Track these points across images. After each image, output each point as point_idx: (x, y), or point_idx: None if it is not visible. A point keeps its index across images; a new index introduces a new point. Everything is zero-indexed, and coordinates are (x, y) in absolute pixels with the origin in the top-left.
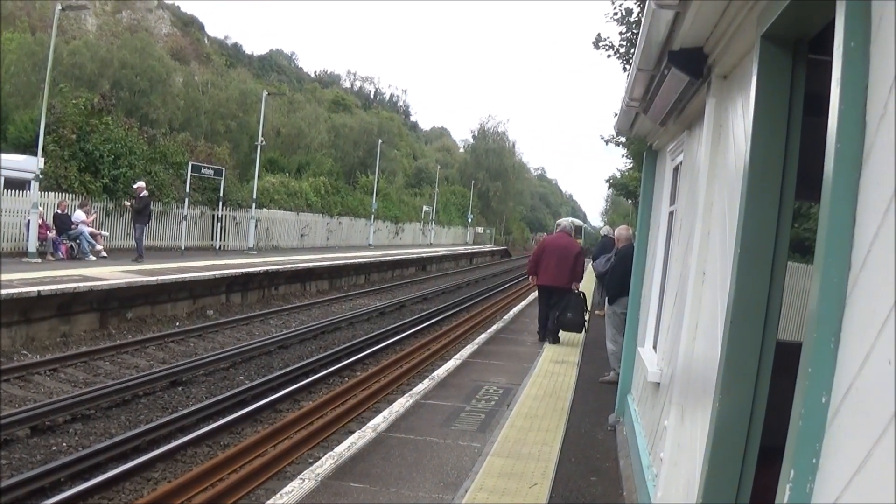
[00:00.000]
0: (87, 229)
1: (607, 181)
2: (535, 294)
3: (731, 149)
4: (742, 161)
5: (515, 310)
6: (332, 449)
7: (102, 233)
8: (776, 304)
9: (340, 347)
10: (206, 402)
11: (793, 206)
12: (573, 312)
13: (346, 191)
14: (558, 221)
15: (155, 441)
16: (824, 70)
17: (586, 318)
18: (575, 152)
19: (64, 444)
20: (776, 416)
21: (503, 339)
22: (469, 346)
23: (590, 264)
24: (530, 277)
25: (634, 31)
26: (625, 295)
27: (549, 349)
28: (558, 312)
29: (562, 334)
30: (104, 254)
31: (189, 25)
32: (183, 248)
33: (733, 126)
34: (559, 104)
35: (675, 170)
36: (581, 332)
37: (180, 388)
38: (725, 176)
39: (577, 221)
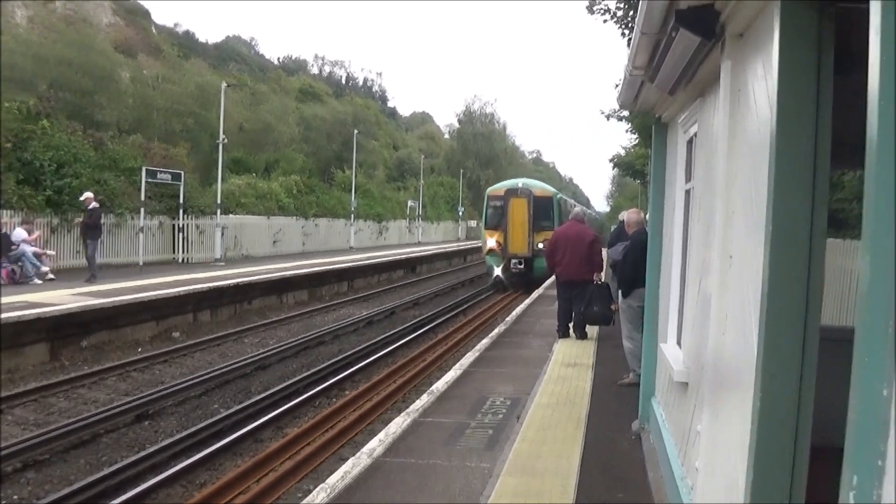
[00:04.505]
0: (30, 249)
1: (611, 161)
2: (539, 291)
3: (752, 115)
4: (767, 128)
5: (518, 310)
6: (325, 480)
7: (48, 252)
8: (817, 285)
9: (326, 364)
10: (178, 437)
11: (828, 175)
12: (598, 305)
13: (322, 189)
14: (503, 185)
15: (122, 484)
16: (857, 20)
17: (613, 309)
18: (573, 131)
19: (15, 497)
20: (828, 411)
21: (507, 342)
22: (470, 353)
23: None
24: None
25: None
26: (640, 286)
27: (559, 351)
28: (583, 306)
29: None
30: (51, 276)
31: (133, 14)
32: (141, 263)
33: (754, 90)
34: (552, 80)
35: (689, 143)
36: (610, 324)
37: (147, 423)
38: (747, 146)
39: (547, 187)
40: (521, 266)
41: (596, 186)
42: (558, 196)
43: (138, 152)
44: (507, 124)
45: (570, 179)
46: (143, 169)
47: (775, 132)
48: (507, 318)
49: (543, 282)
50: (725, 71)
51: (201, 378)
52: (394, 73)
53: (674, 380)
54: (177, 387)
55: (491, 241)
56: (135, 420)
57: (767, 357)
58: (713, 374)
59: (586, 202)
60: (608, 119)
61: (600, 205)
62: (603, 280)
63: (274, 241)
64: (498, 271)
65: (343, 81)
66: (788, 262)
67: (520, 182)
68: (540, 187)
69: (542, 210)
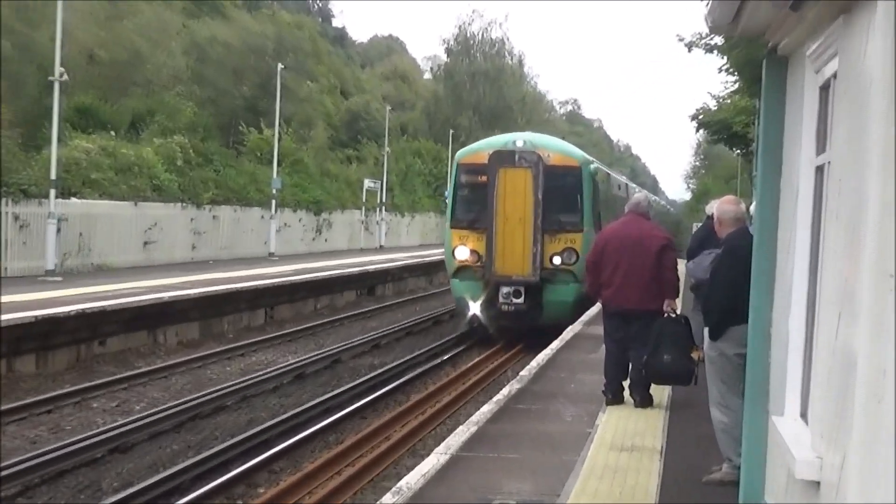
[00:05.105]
0: None
1: (693, 118)
2: (575, 328)
3: None
4: None
5: (541, 358)
6: None
7: None
8: None
9: (227, 444)
10: None
11: None
12: (672, 352)
13: (225, 159)
14: (486, 143)
15: None
16: None
17: (696, 358)
18: (631, 73)
19: None
20: None
21: (522, 411)
22: (461, 427)
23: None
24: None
25: None
26: (739, 322)
27: (607, 426)
28: (647, 354)
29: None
30: None
31: None
32: None
33: None
34: None
35: (825, 89)
36: (690, 383)
37: None
38: None
39: (570, 149)
40: (520, 300)
41: (668, 160)
42: (592, 166)
43: None
44: (525, 58)
45: (627, 148)
46: None
47: None
48: (523, 373)
49: (565, 326)
50: None
51: (18, 467)
52: None
53: (796, 477)
54: None
55: (462, 252)
56: None
57: None
58: (864, 469)
59: (652, 185)
60: (690, 50)
61: (675, 189)
62: (679, 311)
63: (145, 243)
64: (475, 308)
65: None
66: None
67: (518, 139)
68: (557, 149)
69: (562, 192)
